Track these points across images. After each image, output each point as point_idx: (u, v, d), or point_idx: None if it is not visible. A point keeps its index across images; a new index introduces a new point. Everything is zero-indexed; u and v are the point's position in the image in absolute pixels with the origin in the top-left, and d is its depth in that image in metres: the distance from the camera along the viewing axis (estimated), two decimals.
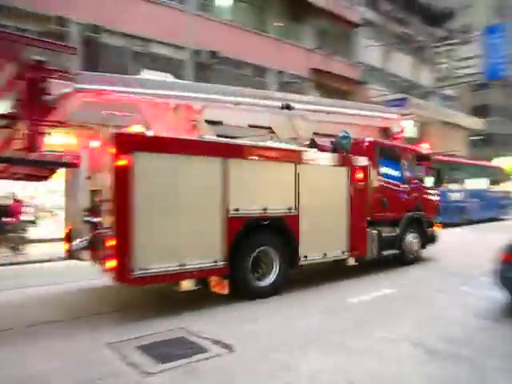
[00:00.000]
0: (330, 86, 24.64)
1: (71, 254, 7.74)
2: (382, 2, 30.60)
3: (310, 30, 24.79)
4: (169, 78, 7.93)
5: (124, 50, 16.78)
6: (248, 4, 22.18)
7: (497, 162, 38.18)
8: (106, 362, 4.80)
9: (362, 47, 28.01)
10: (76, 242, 7.18)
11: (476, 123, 37.66)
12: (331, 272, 9.51)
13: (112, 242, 5.92)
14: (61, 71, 6.31)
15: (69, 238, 7.77)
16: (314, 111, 9.50)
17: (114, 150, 5.96)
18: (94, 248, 6.75)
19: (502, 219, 24.56)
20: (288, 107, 8.80)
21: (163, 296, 7.80)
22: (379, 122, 11.31)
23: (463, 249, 12.71)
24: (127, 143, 6.11)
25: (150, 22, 17.24)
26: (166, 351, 5.11)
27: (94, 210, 6.90)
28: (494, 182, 26.16)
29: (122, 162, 5.91)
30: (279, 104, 8.75)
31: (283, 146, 8.39)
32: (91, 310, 6.98)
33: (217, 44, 19.02)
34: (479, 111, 44.02)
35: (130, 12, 16.69)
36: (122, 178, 5.93)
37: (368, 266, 9.87)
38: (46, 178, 7.06)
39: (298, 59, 23.39)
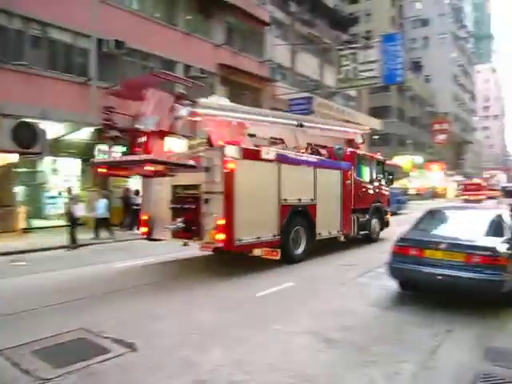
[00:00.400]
0: (239, 82, 24.89)
1: (150, 236, 10.18)
2: (289, 3, 31.42)
3: (219, 25, 24.76)
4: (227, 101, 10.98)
5: (21, 34, 15.62)
6: None
7: (395, 160, 40.98)
8: None
9: (271, 45, 28.56)
10: (172, 226, 9.13)
11: (375, 123, 40.04)
12: (239, 266, 9.76)
13: (222, 222, 8.45)
14: (190, 100, 8.78)
15: (147, 223, 10.13)
16: (315, 128, 12.61)
17: (224, 157, 8.54)
18: (187, 228, 8.99)
19: (400, 214, 26.31)
20: (301, 125, 11.81)
21: (58, 296, 7.41)
22: (348, 135, 14.70)
23: (361, 242, 13.52)
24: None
25: (49, 4, 16.08)
26: (63, 354, 4.92)
27: (178, 200, 9.37)
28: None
29: (231, 166, 8.56)
30: (295, 123, 11.73)
31: (309, 155, 11.77)
32: None
33: (123, 34, 18.19)
34: (378, 112, 46.93)
35: None
36: (231, 177, 8.57)
37: (273, 261, 10.16)
38: (165, 175, 8.62)
39: (206, 54, 23.29)
